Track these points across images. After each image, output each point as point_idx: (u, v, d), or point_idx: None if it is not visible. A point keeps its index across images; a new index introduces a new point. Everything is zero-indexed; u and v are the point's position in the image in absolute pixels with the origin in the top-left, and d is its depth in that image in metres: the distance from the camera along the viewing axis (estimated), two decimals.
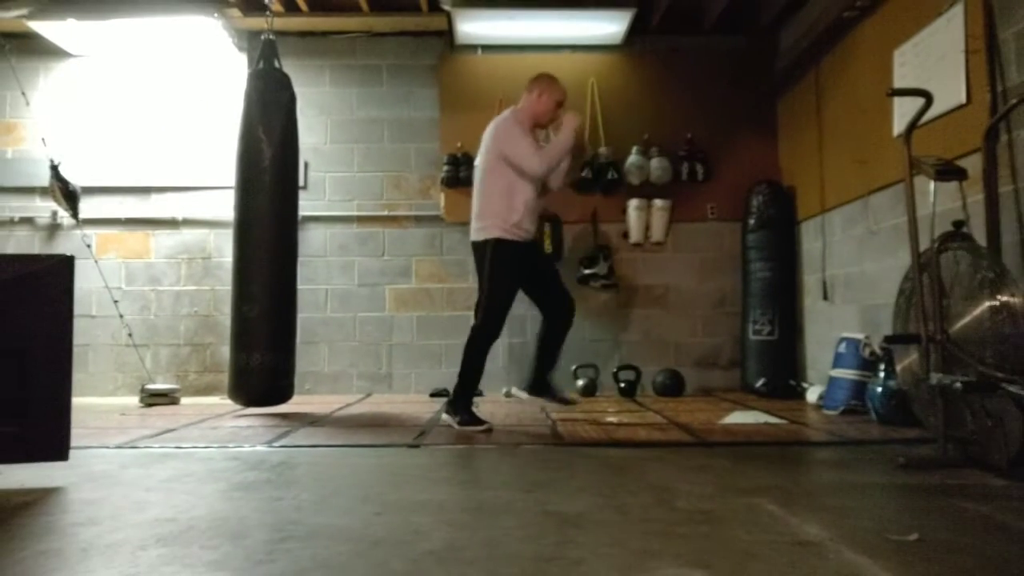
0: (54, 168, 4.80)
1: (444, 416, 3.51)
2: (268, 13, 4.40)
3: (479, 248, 3.54)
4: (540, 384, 3.75)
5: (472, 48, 5.34)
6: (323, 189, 5.34)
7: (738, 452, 2.80)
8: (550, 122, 3.63)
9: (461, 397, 3.46)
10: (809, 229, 4.88)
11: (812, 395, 4.26)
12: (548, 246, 4.97)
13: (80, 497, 2.10)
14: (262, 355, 3.96)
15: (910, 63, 3.58)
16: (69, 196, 4.89)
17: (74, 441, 2.39)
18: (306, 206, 5.00)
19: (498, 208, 3.46)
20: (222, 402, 4.70)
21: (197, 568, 1.48)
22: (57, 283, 2.33)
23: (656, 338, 5.26)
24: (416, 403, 4.57)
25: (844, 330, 4.17)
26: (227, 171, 4.80)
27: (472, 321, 3.56)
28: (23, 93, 5.01)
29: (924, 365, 2.59)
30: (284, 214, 4.13)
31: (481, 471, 2.55)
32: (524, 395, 3.79)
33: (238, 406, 4.28)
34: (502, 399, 4.73)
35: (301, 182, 4.48)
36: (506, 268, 3.48)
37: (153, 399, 4.58)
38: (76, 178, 4.98)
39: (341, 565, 1.49)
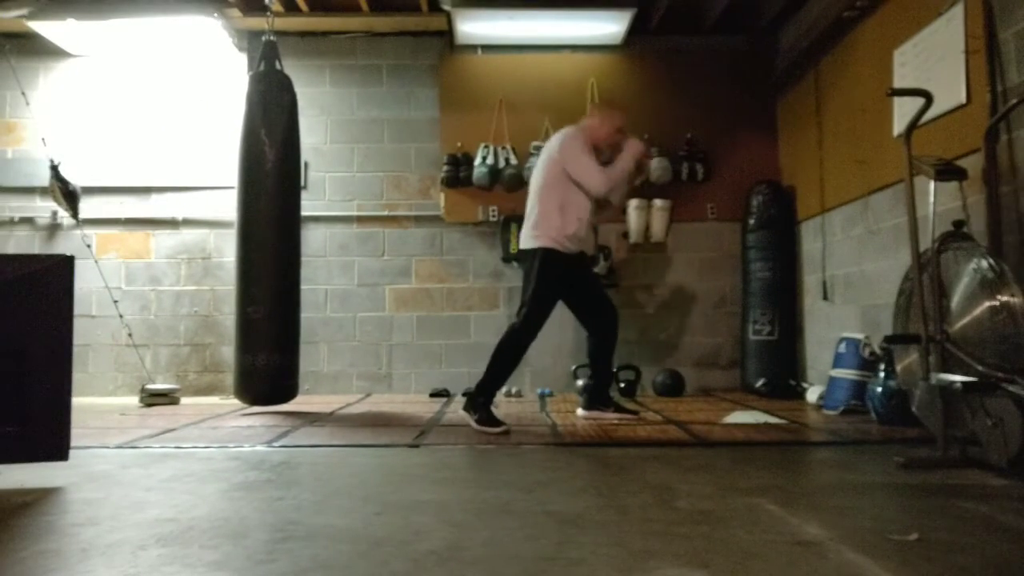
0: (54, 168, 4.80)
1: (461, 412, 3.45)
2: (268, 13, 4.40)
3: (528, 254, 3.58)
4: (597, 398, 3.76)
5: (472, 48, 5.34)
6: (323, 189, 5.34)
7: (738, 452, 2.80)
8: (609, 147, 3.69)
9: (482, 396, 3.42)
10: (809, 229, 4.88)
11: (812, 395, 4.26)
12: None
13: (80, 497, 2.10)
14: (267, 356, 3.98)
15: (910, 63, 3.58)
16: (69, 196, 4.89)
17: (74, 441, 2.39)
18: (306, 206, 4.99)
19: (554, 220, 3.51)
20: (222, 402, 4.71)
21: (197, 568, 1.48)
22: (57, 283, 2.33)
23: (656, 338, 5.26)
24: (416, 403, 4.57)
25: (844, 330, 4.17)
26: (227, 171, 4.81)
27: (503, 322, 3.62)
28: (23, 93, 5.02)
29: (924, 365, 2.59)
30: (287, 216, 4.14)
31: (481, 471, 2.54)
32: (582, 413, 3.78)
33: (238, 406, 4.29)
34: (502, 398, 4.72)
35: (302, 182, 4.49)
36: (552, 277, 3.52)
37: (153, 399, 4.58)
38: (76, 178, 4.98)
39: (342, 565, 1.49)
